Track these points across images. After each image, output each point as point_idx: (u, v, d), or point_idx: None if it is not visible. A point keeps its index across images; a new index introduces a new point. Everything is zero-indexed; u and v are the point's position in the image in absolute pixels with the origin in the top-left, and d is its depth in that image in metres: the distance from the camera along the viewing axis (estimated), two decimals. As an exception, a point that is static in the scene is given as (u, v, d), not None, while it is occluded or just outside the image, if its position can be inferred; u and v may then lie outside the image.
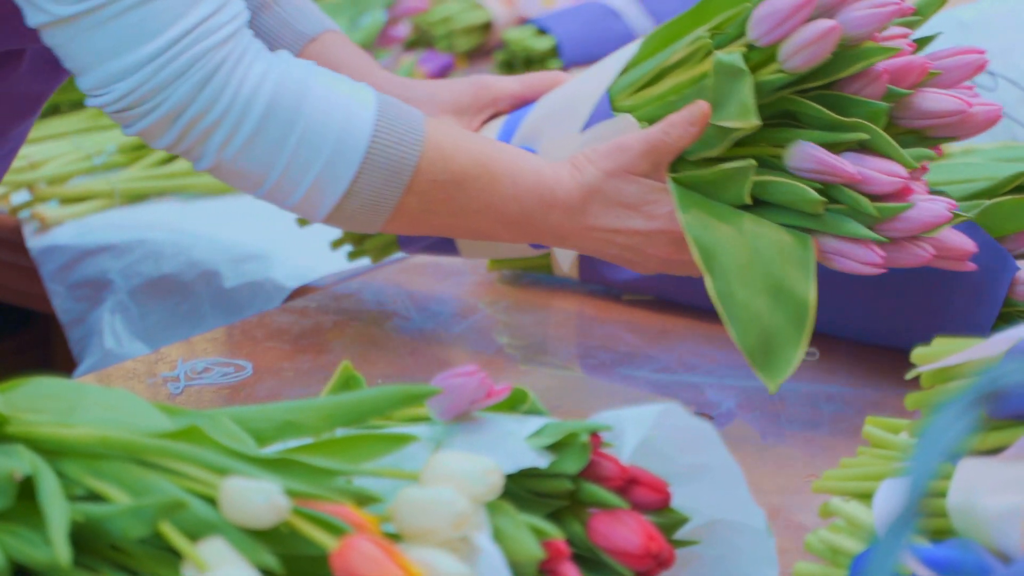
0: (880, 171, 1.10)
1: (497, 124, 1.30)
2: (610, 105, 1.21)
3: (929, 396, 0.86)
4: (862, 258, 1.11)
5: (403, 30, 2.14)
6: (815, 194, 1.10)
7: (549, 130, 1.25)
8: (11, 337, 1.99)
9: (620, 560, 0.78)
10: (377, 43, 2.09)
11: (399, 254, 1.42)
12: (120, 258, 1.64)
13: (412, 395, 0.78)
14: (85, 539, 0.72)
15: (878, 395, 1.19)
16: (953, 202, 1.11)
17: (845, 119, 1.10)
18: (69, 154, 1.76)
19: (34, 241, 1.67)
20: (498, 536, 0.73)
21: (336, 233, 1.42)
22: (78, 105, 1.85)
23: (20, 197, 1.73)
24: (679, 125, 1.13)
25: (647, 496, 0.80)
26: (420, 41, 2.27)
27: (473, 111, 1.31)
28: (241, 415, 0.78)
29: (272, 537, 0.71)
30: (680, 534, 0.83)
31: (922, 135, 1.14)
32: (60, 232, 1.67)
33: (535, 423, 0.80)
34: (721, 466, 0.82)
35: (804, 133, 1.12)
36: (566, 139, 1.22)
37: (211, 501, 0.71)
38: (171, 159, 1.77)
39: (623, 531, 0.78)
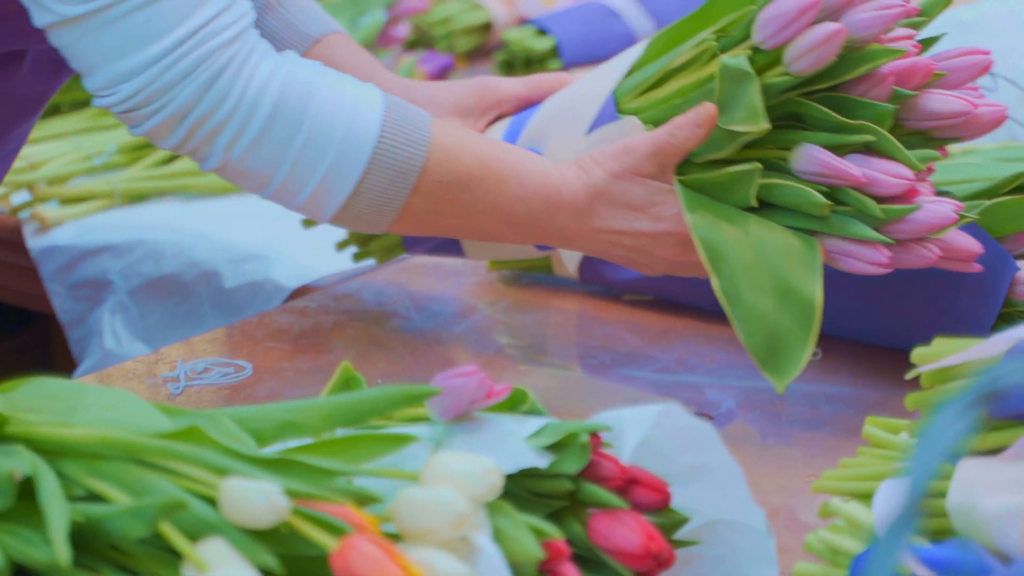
0: (886, 173, 1.09)
1: (502, 126, 1.30)
2: (615, 107, 1.21)
3: (929, 396, 0.86)
4: (868, 258, 1.11)
5: (403, 30, 2.14)
6: (821, 197, 1.10)
7: (554, 132, 1.25)
8: (11, 337, 1.99)
9: (620, 560, 0.78)
10: (377, 43, 2.09)
11: (402, 255, 1.42)
12: (120, 258, 1.64)
13: (412, 395, 0.78)
14: (85, 539, 0.72)
15: (878, 395, 1.19)
16: (959, 203, 1.10)
17: (851, 121, 1.10)
18: (69, 154, 1.76)
19: (34, 241, 1.67)
20: (498, 536, 0.73)
21: (341, 234, 1.42)
22: (78, 105, 1.85)
23: (20, 197, 1.73)
24: (685, 127, 1.13)
25: (647, 496, 0.80)
26: (420, 41, 2.27)
27: (477, 113, 1.31)
28: (241, 415, 0.78)
29: (272, 537, 0.71)
30: (680, 534, 0.83)
31: (927, 136, 1.14)
32: (60, 232, 1.67)
33: (535, 423, 0.80)
34: (721, 466, 0.82)
35: (810, 135, 1.11)
36: (571, 141, 1.22)
37: (211, 501, 0.71)
38: (171, 159, 1.77)
39: (623, 531, 0.78)
